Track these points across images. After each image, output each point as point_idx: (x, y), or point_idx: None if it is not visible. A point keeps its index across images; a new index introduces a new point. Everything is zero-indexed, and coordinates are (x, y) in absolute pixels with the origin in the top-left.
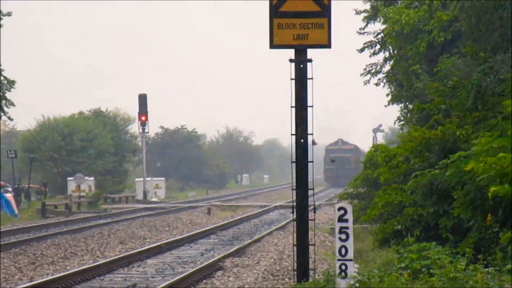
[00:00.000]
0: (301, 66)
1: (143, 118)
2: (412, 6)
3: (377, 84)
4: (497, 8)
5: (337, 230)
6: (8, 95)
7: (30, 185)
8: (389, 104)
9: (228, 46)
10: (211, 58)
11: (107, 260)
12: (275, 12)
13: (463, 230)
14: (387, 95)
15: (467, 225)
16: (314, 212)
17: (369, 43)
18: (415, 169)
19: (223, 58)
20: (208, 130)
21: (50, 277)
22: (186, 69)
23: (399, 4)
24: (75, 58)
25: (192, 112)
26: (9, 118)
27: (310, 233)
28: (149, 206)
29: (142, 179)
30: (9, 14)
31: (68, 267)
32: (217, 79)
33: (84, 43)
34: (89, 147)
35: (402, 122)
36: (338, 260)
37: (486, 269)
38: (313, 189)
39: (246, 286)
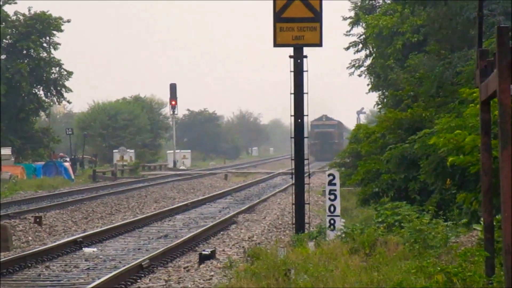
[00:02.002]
0: (298, 61)
1: (173, 102)
2: (387, 13)
3: (359, 76)
4: (455, 15)
5: (327, 192)
6: (66, 83)
7: (84, 156)
8: (369, 92)
9: (240, 44)
10: (226, 53)
11: (145, 215)
12: (277, 18)
13: (428, 192)
14: (368, 84)
15: (430, 188)
16: (309, 178)
17: (353, 43)
18: (389, 143)
19: (237, 54)
20: (225, 111)
21: (99, 229)
22: (206, 62)
23: (377, 12)
24: (116, 51)
25: (212, 97)
26: (68, 101)
27: (306, 194)
28: (177, 173)
29: (172, 151)
30: (68, 21)
31: (113, 221)
32: (231, 71)
33: (124, 40)
34: (130, 126)
35: (380, 106)
36: (328, 216)
37: (446, 223)
38: (308, 159)
39: (255, 236)
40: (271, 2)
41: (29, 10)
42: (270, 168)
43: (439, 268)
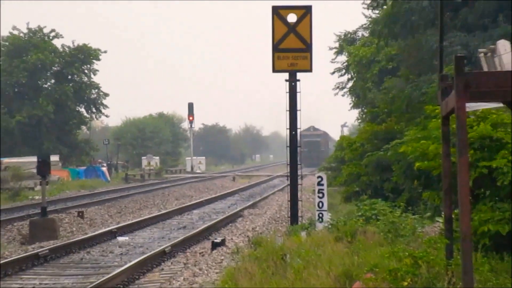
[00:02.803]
0: (293, 84)
1: (190, 118)
2: (366, 44)
3: (343, 95)
4: (421, 46)
5: (316, 191)
6: (103, 102)
7: (118, 162)
8: (351, 109)
9: (246, 70)
10: (234, 76)
11: (167, 210)
12: (275, 49)
13: (399, 190)
14: (350, 103)
15: (401, 188)
16: (302, 179)
17: (337, 69)
18: (367, 151)
19: (243, 77)
20: (232, 124)
21: (130, 221)
22: (218, 84)
23: (357, 43)
24: (143, 75)
25: (222, 112)
26: (106, 116)
27: (299, 193)
28: (194, 175)
29: (190, 157)
30: (105, 51)
31: (142, 215)
32: (238, 90)
33: (149, 65)
34: (155, 137)
35: (360, 121)
36: (317, 210)
37: (413, 216)
38: (301, 164)
39: (257, 227)
40: (270, 36)
41: (73, 43)
42: (270, 171)
43: (407, 253)
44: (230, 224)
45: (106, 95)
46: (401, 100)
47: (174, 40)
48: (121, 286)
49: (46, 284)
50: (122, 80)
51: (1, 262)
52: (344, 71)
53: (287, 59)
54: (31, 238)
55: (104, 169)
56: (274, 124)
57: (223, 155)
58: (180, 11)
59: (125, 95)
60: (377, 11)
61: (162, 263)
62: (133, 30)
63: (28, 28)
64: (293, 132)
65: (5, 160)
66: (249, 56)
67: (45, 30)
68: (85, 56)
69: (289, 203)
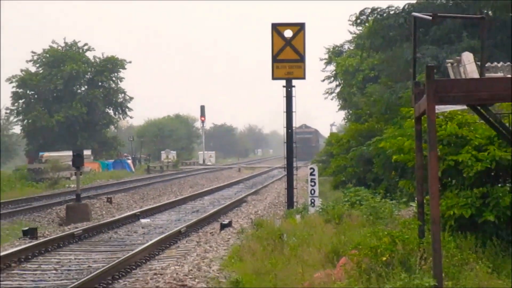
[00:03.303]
0: (289, 89)
1: (202, 118)
2: (351, 56)
3: (332, 99)
4: (398, 58)
5: (309, 180)
6: (128, 105)
7: (141, 155)
8: (338, 110)
9: (251, 76)
10: (238, 82)
11: (183, 197)
12: (274, 59)
13: (379, 180)
14: (338, 105)
15: (381, 177)
16: (296, 170)
17: (327, 77)
18: (352, 146)
19: (247, 83)
20: (238, 124)
21: (151, 206)
22: (225, 87)
23: (344, 55)
24: (163, 80)
25: (230, 112)
26: (130, 117)
27: (294, 182)
28: (205, 167)
29: (202, 152)
30: (130, 62)
31: (161, 201)
32: (244, 95)
33: (168, 71)
34: (173, 135)
35: (346, 120)
36: (310, 196)
37: (391, 202)
38: (296, 157)
39: (259, 211)
40: (270, 48)
41: (103, 55)
42: (270, 164)
43: (386, 233)
44: (236, 208)
45: (131, 98)
46: (381, 103)
47: (188, 51)
48: (144, 261)
49: (80, 259)
50: (145, 85)
51: (42, 240)
52: (332, 78)
53: (284, 68)
54: (68, 220)
55: (129, 161)
56: (273, 123)
57: (230, 149)
58: (192, 29)
59: (147, 98)
60: (360, 28)
61: (178, 241)
62: (155, 43)
63: (65, 43)
64: (289, 130)
65: (46, 154)
66: (253, 65)
67: (80, 44)
68: (113, 66)
69: (286, 190)
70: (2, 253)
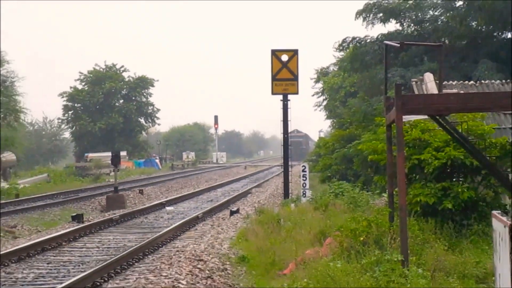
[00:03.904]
0: (285, 103)
1: (216, 126)
2: (335, 76)
3: (320, 110)
4: (373, 77)
5: (301, 175)
6: (157, 115)
7: (166, 156)
8: (325, 119)
9: (253, 93)
10: (243, 97)
11: (200, 189)
12: (273, 78)
13: (358, 175)
14: (324, 115)
15: (359, 173)
16: (291, 168)
17: (316, 92)
18: (336, 148)
19: (250, 97)
20: (244, 130)
21: (174, 196)
22: (235, 100)
23: (329, 75)
24: (185, 94)
25: (237, 119)
26: (158, 124)
27: (290, 177)
28: (218, 165)
29: (215, 153)
30: (157, 80)
31: (183, 192)
32: (249, 107)
33: (189, 86)
34: (192, 139)
35: (331, 128)
36: (302, 189)
37: (368, 193)
38: (291, 157)
39: (261, 200)
40: (269, 69)
41: (135, 74)
42: (270, 163)
43: (363, 218)
44: (243, 198)
45: (158, 110)
46: (359, 114)
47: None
48: (168, 240)
49: (117, 239)
50: (170, 98)
51: (87, 224)
52: (320, 94)
53: (281, 85)
54: (107, 208)
55: (157, 160)
56: (273, 129)
57: (238, 151)
58: (206, 52)
59: (172, 109)
60: (343, 53)
61: (196, 225)
62: (177, 63)
63: (105, 65)
64: (286, 135)
65: (90, 154)
66: (256, 82)
67: (117, 66)
68: (143, 83)
69: (283, 184)
70: (55, 234)
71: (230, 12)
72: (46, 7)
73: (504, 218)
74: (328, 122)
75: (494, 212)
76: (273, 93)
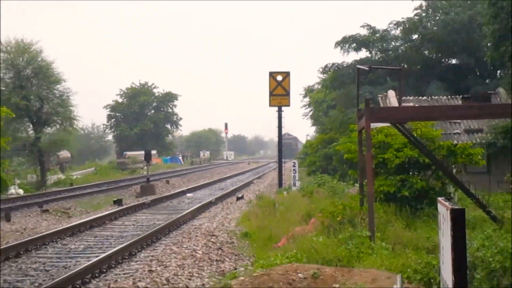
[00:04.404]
0: (280, 113)
1: (226, 131)
2: (319, 92)
3: (307, 119)
4: (348, 93)
5: (292, 170)
6: (180, 122)
7: (187, 154)
8: (311, 126)
9: (256, 105)
10: (247, 109)
11: (213, 180)
12: (271, 94)
13: (336, 170)
14: (311, 123)
15: (337, 168)
16: (284, 163)
17: (304, 105)
18: (320, 149)
19: (253, 108)
20: (248, 134)
21: (193, 185)
22: (241, 110)
23: (314, 91)
24: (199, 105)
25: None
26: (180, 130)
27: (283, 170)
28: (228, 161)
29: (225, 152)
30: (180, 95)
31: (200, 182)
32: (252, 115)
33: (204, 99)
34: (207, 141)
35: (316, 133)
36: (292, 180)
37: (344, 183)
38: (284, 155)
39: (261, 189)
40: (267, 86)
41: (164, 90)
42: (268, 160)
43: (340, 203)
44: (246, 187)
45: (181, 118)
46: (337, 122)
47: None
48: (188, 220)
49: (149, 218)
50: (190, 107)
51: (125, 206)
52: (307, 106)
53: (277, 100)
54: (141, 194)
55: (180, 158)
56: (270, 133)
57: (243, 150)
58: (216, 70)
59: (191, 117)
60: (325, 74)
61: (210, 208)
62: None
63: (140, 83)
64: (280, 139)
65: (128, 153)
66: (257, 96)
67: (149, 83)
68: (169, 97)
69: (278, 175)
70: (100, 214)
71: (238, 40)
72: (85, 41)
73: (447, 203)
74: (313, 128)
75: (440, 198)
76: (270, 105)
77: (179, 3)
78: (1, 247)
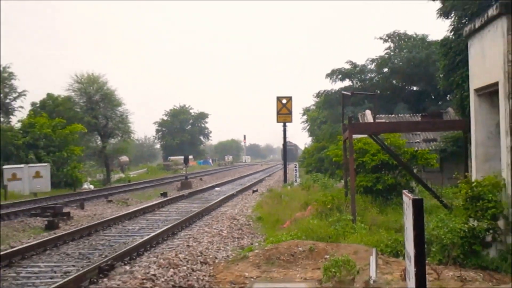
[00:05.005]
0: (284, 128)
1: (244, 141)
2: (315, 111)
3: (305, 132)
4: (336, 113)
5: (294, 170)
6: (210, 134)
7: (216, 158)
8: (308, 137)
9: (268, 122)
10: (262, 123)
11: (234, 178)
12: (278, 113)
13: (327, 169)
14: (308, 135)
15: (328, 168)
16: (287, 165)
17: (302, 121)
18: (314, 154)
19: (266, 124)
20: (261, 143)
21: (220, 181)
22: (256, 125)
23: (311, 111)
24: (227, 120)
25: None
26: (211, 140)
27: (287, 170)
28: (246, 164)
29: (244, 156)
30: (210, 114)
31: (225, 179)
32: (265, 128)
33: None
34: (231, 148)
35: (312, 142)
36: (294, 177)
37: (332, 180)
38: (287, 160)
39: (270, 184)
40: (275, 107)
41: (198, 111)
42: (276, 162)
43: (329, 194)
44: (260, 183)
45: (211, 131)
46: (327, 134)
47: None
48: (216, 207)
49: (187, 206)
50: (218, 122)
51: (169, 197)
52: (305, 122)
53: (282, 117)
54: (181, 188)
55: (210, 161)
56: (278, 142)
57: (257, 155)
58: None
59: (219, 130)
60: (318, 98)
61: (232, 198)
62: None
63: (179, 105)
64: (285, 147)
65: (171, 157)
66: (268, 114)
67: (186, 106)
68: (202, 116)
69: (283, 174)
70: (150, 203)
71: (256, 68)
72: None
73: (410, 195)
74: (310, 138)
75: (404, 191)
76: (277, 122)
77: (205, 45)
78: (78, 228)
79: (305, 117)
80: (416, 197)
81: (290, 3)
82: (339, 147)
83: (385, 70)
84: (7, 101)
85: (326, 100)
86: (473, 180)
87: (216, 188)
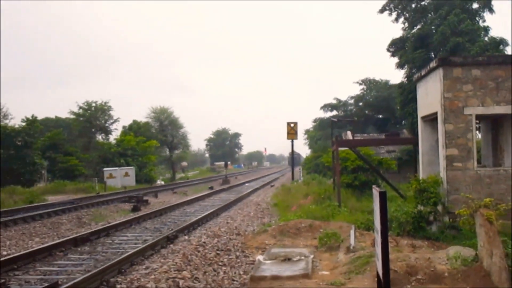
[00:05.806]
0: (292, 143)
1: (265, 152)
2: (314, 130)
3: (307, 145)
4: (327, 132)
5: (299, 171)
6: (242, 148)
7: (245, 163)
8: (309, 149)
9: (280, 138)
10: (276, 140)
11: (258, 176)
12: (288, 133)
13: (322, 171)
14: (308, 148)
15: (322, 170)
16: (294, 169)
17: (305, 138)
18: (313, 160)
19: (279, 139)
20: (276, 152)
21: (249, 179)
22: (271, 140)
23: (310, 130)
24: (254, 133)
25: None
26: (241, 150)
27: (294, 172)
28: (266, 167)
29: (265, 162)
30: (241, 134)
31: (251, 178)
32: (279, 143)
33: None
34: (256, 157)
35: (311, 153)
36: (299, 176)
37: (325, 178)
38: (293, 166)
39: (283, 181)
40: (285, 129)
41: (233, 132)
42: (287, 166)
43: (323, 188)
44: (275, 180)
45: (242, 145)
46: (321, 147)
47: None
48: (246, 196)
49: (226, 196)
50: (248, 138)
51: (214, 190)
52: (306, 139)
53: (291, 136)
54: (223, 184)
55: (242, 165)
56: (287, 152)
57: (274, 161)
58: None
59: (248, 144)
60: (315, 122)
61: (257, 191)
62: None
63: (222, 128)
64: (292, 156)
65: (216, 163)
66: (280, 134)
67: (227, 128)
68: (237, 135)
69: (291, 174)
70: (201, 194)
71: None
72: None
73: (377, 188)
74: (309, 150)
75: (374, 186)
76: (287, 139)
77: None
78: (153, 210)
79: (306, 135)
80: (382, 190)
81: (295, 54)
82: (329, 156)
83: (360, 104)
84: (107, 124)
85: (320, 124)
86: (420, 178)
87: (246, 184)
